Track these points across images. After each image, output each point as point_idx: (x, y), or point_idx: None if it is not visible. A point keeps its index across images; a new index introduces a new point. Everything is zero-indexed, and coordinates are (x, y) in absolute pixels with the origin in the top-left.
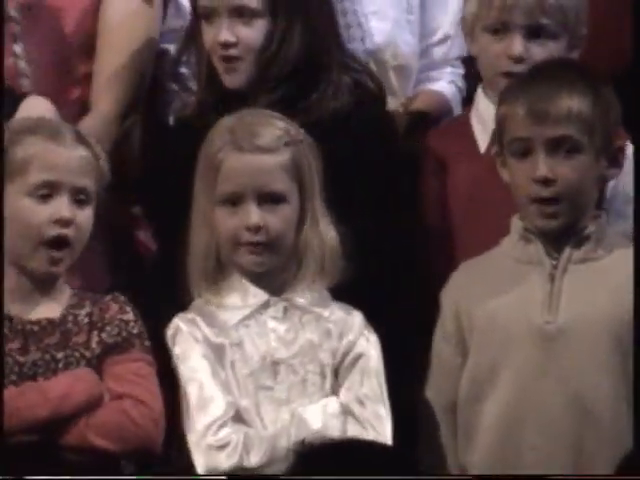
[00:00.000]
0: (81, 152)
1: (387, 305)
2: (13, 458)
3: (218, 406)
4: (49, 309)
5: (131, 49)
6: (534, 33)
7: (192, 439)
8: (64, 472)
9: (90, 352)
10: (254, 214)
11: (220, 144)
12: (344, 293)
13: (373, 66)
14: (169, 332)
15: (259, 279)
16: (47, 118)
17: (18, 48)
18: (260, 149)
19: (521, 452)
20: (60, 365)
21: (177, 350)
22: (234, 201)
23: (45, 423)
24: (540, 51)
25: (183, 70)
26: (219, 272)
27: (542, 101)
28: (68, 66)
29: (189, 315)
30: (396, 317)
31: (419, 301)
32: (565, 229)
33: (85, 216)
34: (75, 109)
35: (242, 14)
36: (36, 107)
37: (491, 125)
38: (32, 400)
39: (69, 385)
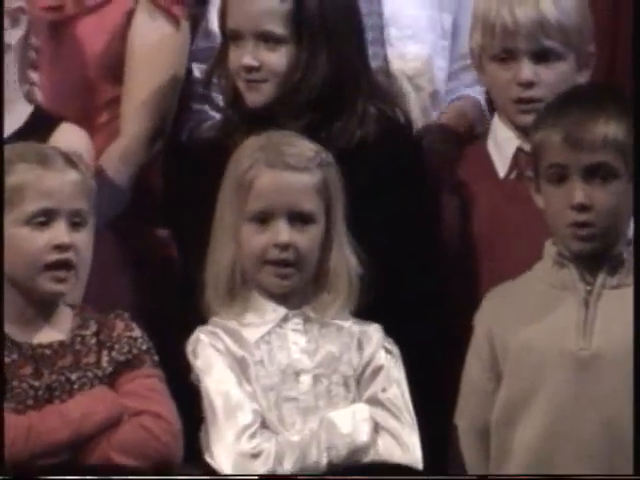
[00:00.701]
0: (73, 175)
1: (409, 330)
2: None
3: (246, 415)
4: (53, 333)
5: (160, 74)
6: (540, 57)
7: (220, 450)
8: None
9: (102, 371)
10: (284, 232)
11: (251, 161)
12: (365, 317)
13: (409, 88)
14: (189, 347)
15: (278, 297)
16: (36, 144)
17: (35, 76)
18: (293, 167)
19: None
20: (75, 386)
21: (199, 363)
22: (264, 219)
23: (68, 444)
24: (549, 73)
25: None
26: (237, 290)
27: (578, 128)
28: (94, 91)
29: (210, 328)
30: (421, 341)
31: (443, 323)
32: (599, 254)
33: (83, 238)
34: (102, 134)
35: (267, 39)
36: (70, 135)
37: (509, 151)
38: (53, 423)
39: (88, 405)
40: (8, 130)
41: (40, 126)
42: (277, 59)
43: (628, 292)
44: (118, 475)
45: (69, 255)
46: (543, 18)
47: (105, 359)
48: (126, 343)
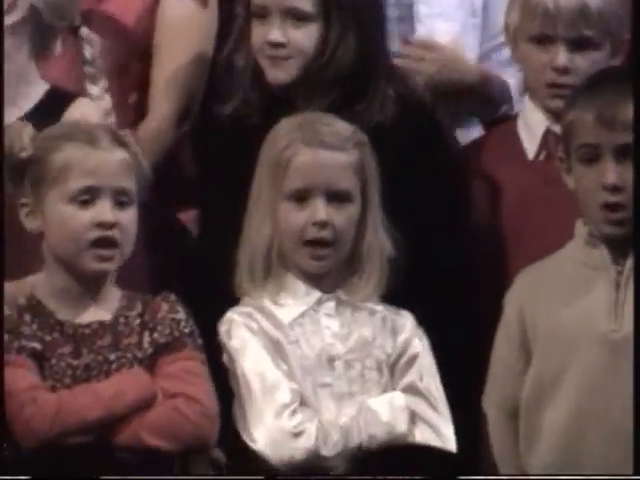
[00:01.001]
0: (119, 154)
1: (438, 312)
2: (69, 459)
3: (284, 393)
4: (100, 312)
5: (188, 54)
6: (578, 44)
7: (260, 430)
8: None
9: (142, 352)
10: (322, 210)
11: (288, 140)
12: (395, 300)
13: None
14: (223, 327)
15: (312, 278)
16: (83, 123)
17: (88, 53)
18: (330, 146)
19: (583, 456)
20: (113, 366)
21: (234, 343)
22: (302, 197)
23: (98, 424)
24: (584, 62)
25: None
26: (273, 270)
27: (611, 108)
28: (125, 70)
29: (243, 308)
30: (449, 324)
31: (471, 307)
32: (628, 239)
33: (128, 217)
34: (133, 113)
35: (295, 16)
36: (86, 108)
37: (538, 132)
38: (85, 401)
39: (120, 385)
40: (23, 108)
41: (57, 103)
42: (304, 37)
43: None
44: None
45: (113, 233)
46: (585, 6)
47: (146, 340)
48: (168, 325)
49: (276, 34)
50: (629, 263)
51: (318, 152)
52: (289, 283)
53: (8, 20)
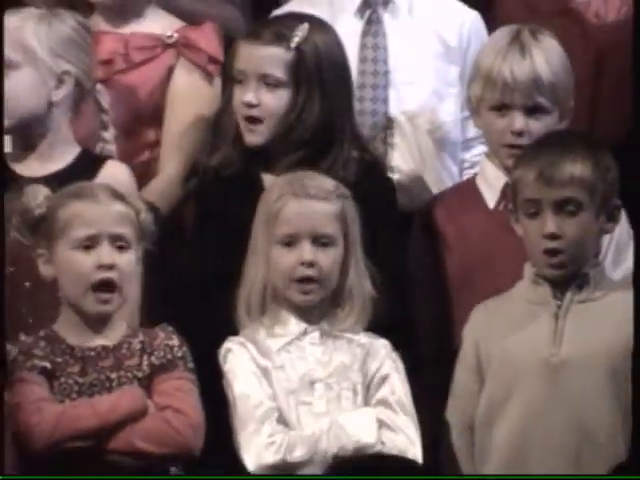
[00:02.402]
0: (117, 206)
1: (407, 342)
2: (66, 463)
3: (264, 412)
4: (105, 340)
5: (194, 122)
6: (531, 110)
7: (242, 441)
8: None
9: (141, 373)
10: (308, 251)
11: (279, 193)
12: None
13: (407, 127)
14: (221, 353)
15: (301, 311)
16: (89, 183)
17: (104, 102)
18: (315, 197)
19: (528, 466)
20: (114, 384)
21: (227, 367)
22: (291, 241)
23: (95, 432)
24: (537, 125)
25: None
26: (268, 306)
27: (549, 167)
28: (137, 134)
29: (239, 338)
30: (417, 352)
31: (436, 337)
32: (568, 274)
33: (126, 259)
34: (144, 170)
35: (268, 82)
36: (116, 171)
37: (498, 186)
38: (83, 412)
39: (116, 399)
40: (53, 167)
41: (88, 164)
42: (275, 100)
43: (593, 306)
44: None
45: (112, 274)
46: (538, 78)
47: (145, 363)
48: (163, 349)
49: (250, 96)
50: (567, 297)
51: (304, 202)
52: (282, 317)
53: (57, 95)
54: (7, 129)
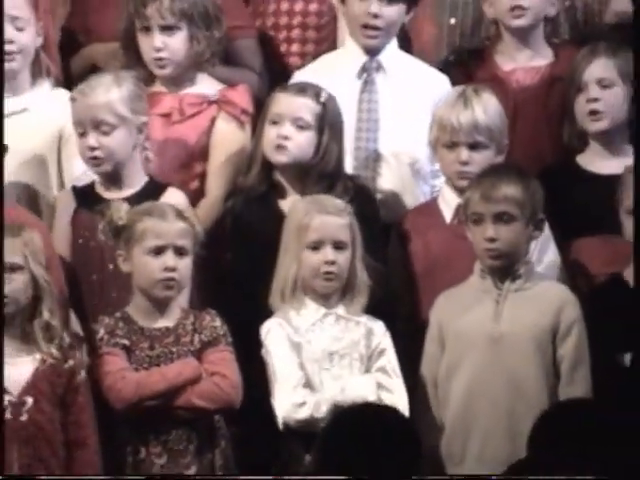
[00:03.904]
0: (180, 224)
1: (392, 323)
2: (141, 418)
3: (295, 377)
4: (166, 321)
5: (231, 156)
6: (473, 146)
7: (279, 400)
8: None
9: (193, 347)
10: (330, 254)
11: (306, 211)
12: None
13: (392, 161)
14: (263, 331)
15: (320, 299)
16: (159, 203)
17: (150, 154)
18: (333, 213)
19: (475, 413)
20: (174, 356)
21: (268, 342)
22: (317, 246)
23: (163, 393)
24: (478, 157)
25: None
26: (296, 294)
27: (489, 189)
28: (189, 167)
29: (277, 320)
30: (398, 329)
31: (410, 321)
32: (505, 270)
33: (185, 264)
34: (194, 195)
35: (299, 123)
36: (174, 196)
37: (452, 205)
38: (155, 379)
39: (179, 368)
40: (129, 192)
41: (154, 189)
42: (303, 138)
43: (524, 294)
44: None
45: (174, 274)
46: (477, 122)
47: (196, 339)
48: (209, 329)
49: (285, 130)
50: (505, 287)
51: (326, 217)
52: (306, 302)
53: (138, 141)
54: (105, 173)
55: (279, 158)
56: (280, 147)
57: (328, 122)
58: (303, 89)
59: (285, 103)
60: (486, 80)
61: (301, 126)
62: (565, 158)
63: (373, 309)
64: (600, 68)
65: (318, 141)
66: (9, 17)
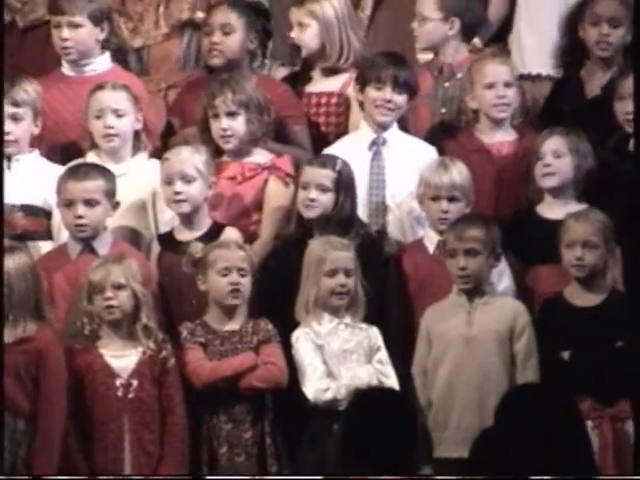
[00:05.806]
0: (240, 252)
1: (387, 329)
2: (214, 395)
3: (320, 370)
4: (233, 325)
5: (279, 207)
6: (451, 199)
7: (308, 387)
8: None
9: (252, 345)
10: (343, 279)
11: (324, 247)
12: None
13: (396, 211)
14: (293, 337)
15: (333, 312)
16: (223, 239)
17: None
18: (343, 249)
19: (455, 395)
20: (239, 351)
21: (297, 345)
22: (333, 274)
23: (230, 377)
24: (454, 208)
25: None
26: (316, 309)
27: (461, 231)
28: (248, 215)
29: (303, 329)
30: (391, 334)
31: (405, 325)
32: (474, 290)
33: (245, 281)
34: (251, 237)
35: (322, 188)
36: (231, 233)
37: (434, 242)
38: (225, 367)
39: (241, 359)
40: (199, 233)
41: (217, 230)
42: (325, 198)
43: (489, 307)
44: None
45: (239, 287)
46: (454, 182)
47: (254, 339)
48: (264, 331)
49: (312, 194)
50: (475, 302)
51: (338, 252)
52: (323, 315)
53: (208, 194)
54: (184, 214)
55: (308, 214)
56: (308, 206)
57: (343, 185)
58: (324, 163)
59: (310, 174)
60: (475, 149)
61: (323, 190)
62: (528, 207)
63: (367, 318)
64: (555, 143)
65: (336, 199)
66: (110, 109)
